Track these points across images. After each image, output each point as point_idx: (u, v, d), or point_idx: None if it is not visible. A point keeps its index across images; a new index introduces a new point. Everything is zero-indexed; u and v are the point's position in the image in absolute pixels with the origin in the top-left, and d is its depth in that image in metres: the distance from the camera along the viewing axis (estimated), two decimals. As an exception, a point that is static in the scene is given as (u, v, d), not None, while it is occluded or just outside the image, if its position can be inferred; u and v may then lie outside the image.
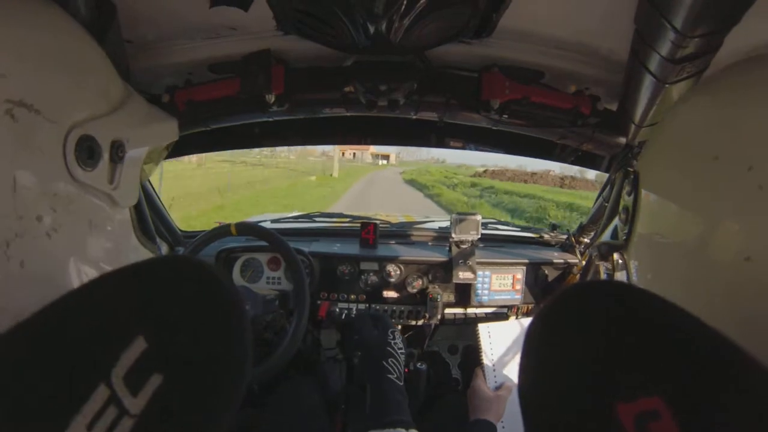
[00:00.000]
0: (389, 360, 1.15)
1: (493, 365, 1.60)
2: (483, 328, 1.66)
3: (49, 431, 0.34)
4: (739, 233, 0.50)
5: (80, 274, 0.65)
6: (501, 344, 1.63)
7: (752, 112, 0.54)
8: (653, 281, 0.73)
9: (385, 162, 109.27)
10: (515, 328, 1.68)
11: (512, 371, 1.57)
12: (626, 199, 0.84)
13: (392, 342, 1.21)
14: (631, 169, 0.82)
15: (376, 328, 1.28)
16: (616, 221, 0.93)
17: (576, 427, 0.40)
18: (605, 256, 0.95)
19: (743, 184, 0.50)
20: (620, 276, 0.99)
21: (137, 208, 0.91)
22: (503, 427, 1.44)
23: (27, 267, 0.52)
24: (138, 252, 0.88)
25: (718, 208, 0.54)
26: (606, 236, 1.68)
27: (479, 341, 1.64)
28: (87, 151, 0.63)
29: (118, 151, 0.71)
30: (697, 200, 0.59)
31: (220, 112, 1.26)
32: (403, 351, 1.22)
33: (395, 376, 1.13)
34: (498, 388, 1.54)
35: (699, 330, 0.39)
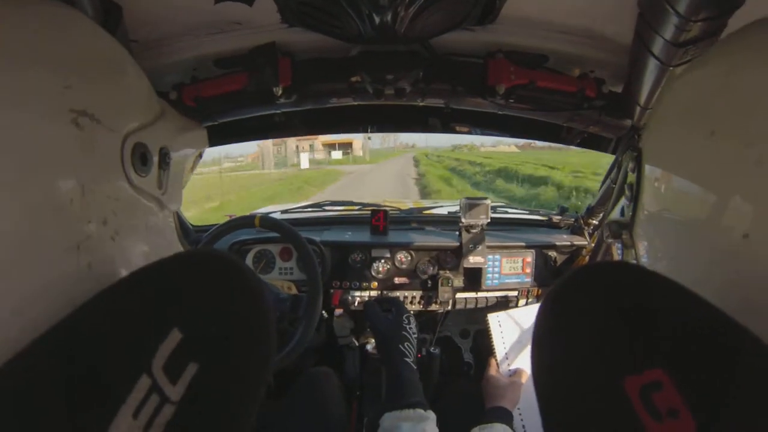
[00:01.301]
0: (405, 344, 1.18)
1: (506, 354, 1.61)
2: (493, 318, 1.68)
3: (99, 420, 0.37)
4: (737, 210, 0.49)
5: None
6: (512, 332, 1.65)
7: (747, 85, 0.53)
8: (658, 259, 0.73)
9: (340, 156, 62.60)
10: (524, 315, 1.70)
11: (525, 358, 1.59)
12: (630, 177, 0.83)
13: (407, 326, 1.23)
14: (635, 149, 0.80)
15: (390, 313, 1.30)
16: (623, 200, 0.92)
17: (587, 401, 0.43)
18: (615, 234, 0.94)
19: (741, 160, 0.49)
20: (630, 253, 0.99)
21: (176, 213, 0.93)
22: (519, 414, 1.46)
23: (94, 269, 0.54)
24: None
25: (717, 185, 0.53)
26: (615, 215, 1.68)
27: (490, 331, 1.66)
28: (141, 158, 0.66)
29: (165, 157, 0.74)
30: (696, 177, 0.58)
31: (228, 106, 1.27)
32: (416, 335, 1.25)
33: (411, 359, 1.16)
34: (512, 373, 1.56)
35: (695, 304, 0.41)
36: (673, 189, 0.66)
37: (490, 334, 1.66)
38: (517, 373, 1.55)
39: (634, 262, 0.95)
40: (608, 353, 0.42)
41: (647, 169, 0.75)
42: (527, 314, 1.70)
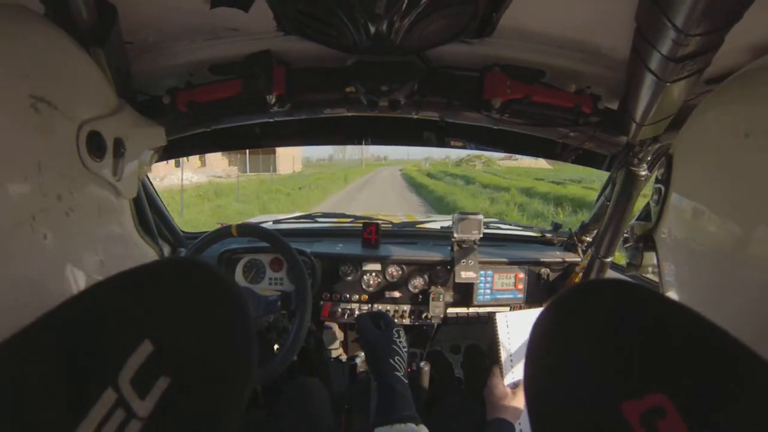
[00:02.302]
0: (395, 358, 1.17)
1: (511, 360, 1.56)
2: (501, 318, 1.61)
3: None
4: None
5: (93, 252, 0.76)
6: (519, 335, 1.59)
7: None
8: (680, 267, 0.72)
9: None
10: (534, 317, 1.65)
11: None
12: (659, 180, 0.82)
13: (397, 340, 1.22)
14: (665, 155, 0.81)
15: (379, 327, 1.29)
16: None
17: (582, 425, 0.41)
18: (635, 235, 0.93)
19: None
20: (647, 260, 0.99)
21: (136, 204, 1.00)
22: (519, 428, 1.43)
23: (49, 239, 0.61)
24: (138, 243, 0.96)
25: (749, 212, 0.53)
26: (607, 239, 1.68)
27: (497, 332, 1.59)
28: (96, 145, 0.74)
29: (119, 147, 0.82)
30: (727, 199, 0.58)
31: (221, 113, 1.26)
32: (407, 349, 1.24)
33: (401, 373, 1.15)
34: (516, 384, 1.52)
35: (701, 326, 0.39)
36: (704, 200, 0.67)
37: (497, 336, 1.60)
38: (521, 384, 1.51)
39: (650, 270, 0.96)
40: (606, 376, 0.40)
41: (677, 174, 0.74)
42: (536, 316, 1.65)
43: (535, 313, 1.63)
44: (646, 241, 0.90)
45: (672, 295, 0.72)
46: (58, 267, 0.66)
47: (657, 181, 0.83)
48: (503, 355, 1.57)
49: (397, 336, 1.24)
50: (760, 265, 0.48)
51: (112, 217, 0.82)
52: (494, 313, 1.64)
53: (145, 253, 0.97)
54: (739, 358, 0.36)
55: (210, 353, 0.46)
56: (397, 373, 1.14)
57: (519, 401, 1.45)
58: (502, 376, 1.54)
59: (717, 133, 0.69)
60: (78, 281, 0.68)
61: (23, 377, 0.37)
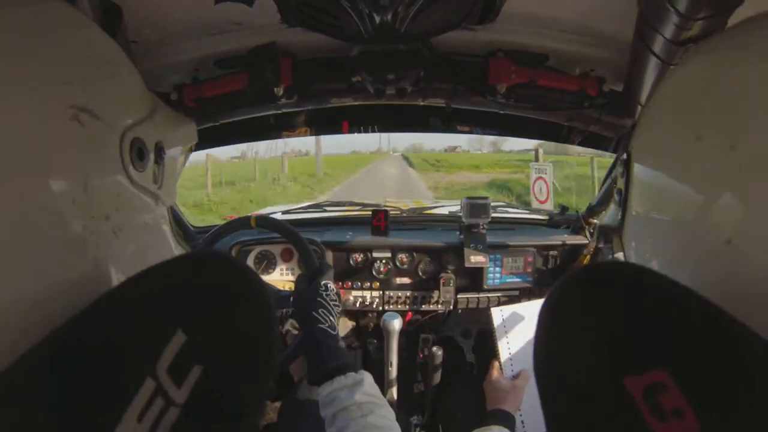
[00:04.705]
0: (319, 310, 1.15)
1: (509, 352, 1.59)
2: (496, 312, 1.65)
3: (104, 423, 0.37)
4: (721, 216, 0.50)
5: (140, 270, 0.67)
6: (515, 328, 1.62)
7: (732, 86, 0.52)
8: (646, 260, 0.73)
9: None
10: (528, 310, 1.67)
11: (529, 355, 1.56)
12: (620, 182, 0.82)
13: (323, 293, 1.21)
14: (625, 152, 0.81)
15: (310, 282, 1.27)
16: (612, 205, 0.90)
17: (588, 399, 0.43)
18: (605, 239, 0.92)
19: (725, 164, 0.49)
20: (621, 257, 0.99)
21: (171, 208, 0.94)
22: (520, 414, 1.45)
23: (99, 265, 0.55)
24: (177, 249, 0.91)
25: (703, 190, 0.53)
26: (608, 217, 1.68)
27: (493, 326, 1.63)
28: (138, 153, 0.66)
29: (160, 152, 0.75)
30: (683, 181, 0.58)
31: (229, 106, 1.27)
32: (336, 303, 1.22)
33: (327, 325, 1.14)
34: (515, 376, 1.54)
35: (697, 304, 0.41)
36: (661, 192, 0.66)
37: (494, 329, 1.64)
38: (520, 375, 1.54)
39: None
40: (610, 353, 0.42)
41: (636, 168, 0.74)
42: (531, 309, 1.68)
43: (529, 305, 1.66)
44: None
45: None
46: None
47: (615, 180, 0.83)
48: (502, 349, 1.60)
49: (323, 289, 1.22)
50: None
51: (155, 230, 0.76)
52: (489, 307, 1.68)
53: None
54: (734, 334, 0.38)
55: (238, 341, 0.48)
56: (321, 326, 1.13)
57: (518, 392, 1.47)
58: (501, 369, 1.56)
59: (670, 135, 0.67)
60: None
61: (71, 369, 0.39)
